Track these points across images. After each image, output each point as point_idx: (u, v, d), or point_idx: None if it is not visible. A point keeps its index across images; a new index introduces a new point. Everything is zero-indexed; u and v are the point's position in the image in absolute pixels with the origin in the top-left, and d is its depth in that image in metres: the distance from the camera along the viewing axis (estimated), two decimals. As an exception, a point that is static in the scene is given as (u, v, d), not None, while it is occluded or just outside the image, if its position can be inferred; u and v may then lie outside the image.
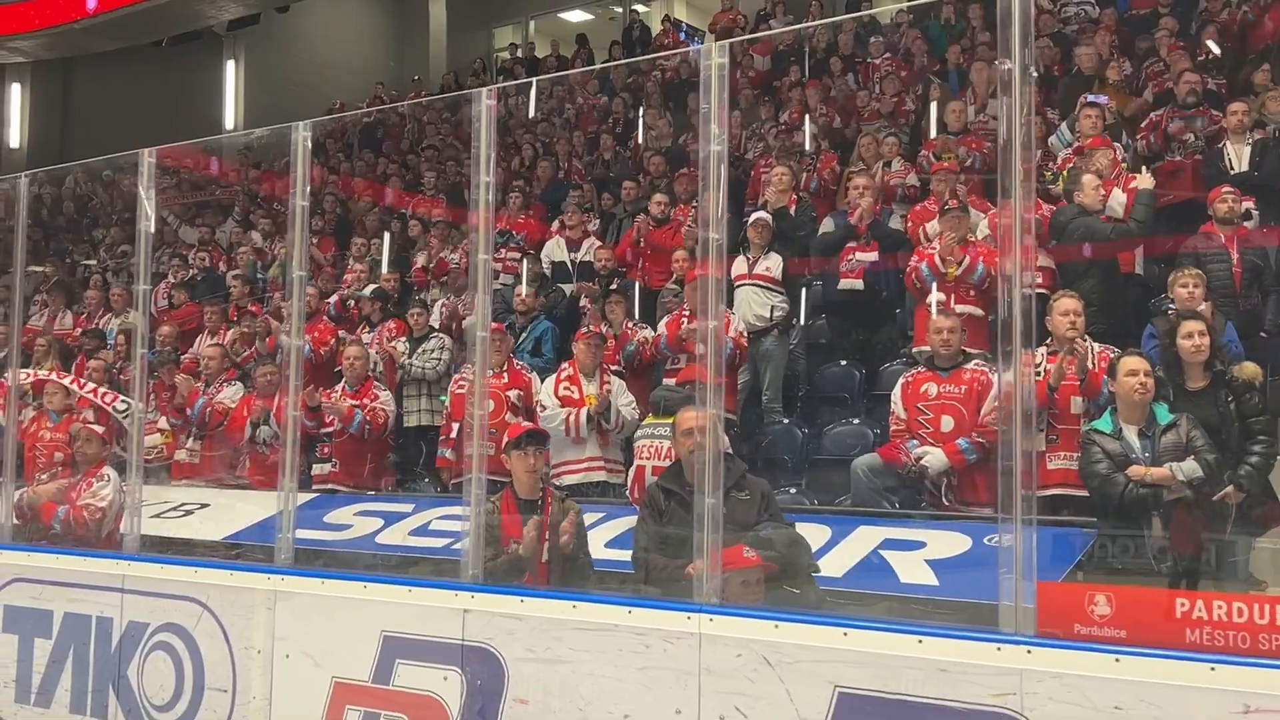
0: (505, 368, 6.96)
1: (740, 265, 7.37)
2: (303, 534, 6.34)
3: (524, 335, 7.74)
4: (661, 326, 7.02)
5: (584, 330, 6.63)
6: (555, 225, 9.78)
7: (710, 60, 3.97)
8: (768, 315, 7.12)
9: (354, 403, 7.15)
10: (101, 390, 6.60)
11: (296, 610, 4.33)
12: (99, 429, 5.98)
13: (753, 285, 7.19)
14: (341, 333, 8.39)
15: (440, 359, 7.75)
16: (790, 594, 3.73)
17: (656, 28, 17.19)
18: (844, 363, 7.37)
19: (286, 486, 4.52)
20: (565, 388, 6.36)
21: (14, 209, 5.75)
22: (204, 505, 7.09)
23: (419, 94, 17.69)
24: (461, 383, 7.07)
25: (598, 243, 8.94)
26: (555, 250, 8.88)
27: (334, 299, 8.80)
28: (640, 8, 18.81)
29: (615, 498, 6.23)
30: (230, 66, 17.50)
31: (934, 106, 9.32)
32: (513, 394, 6.87)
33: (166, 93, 16.96)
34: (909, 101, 10.27)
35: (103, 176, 14.22)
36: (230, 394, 7.70)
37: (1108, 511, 4.42)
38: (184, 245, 11.85)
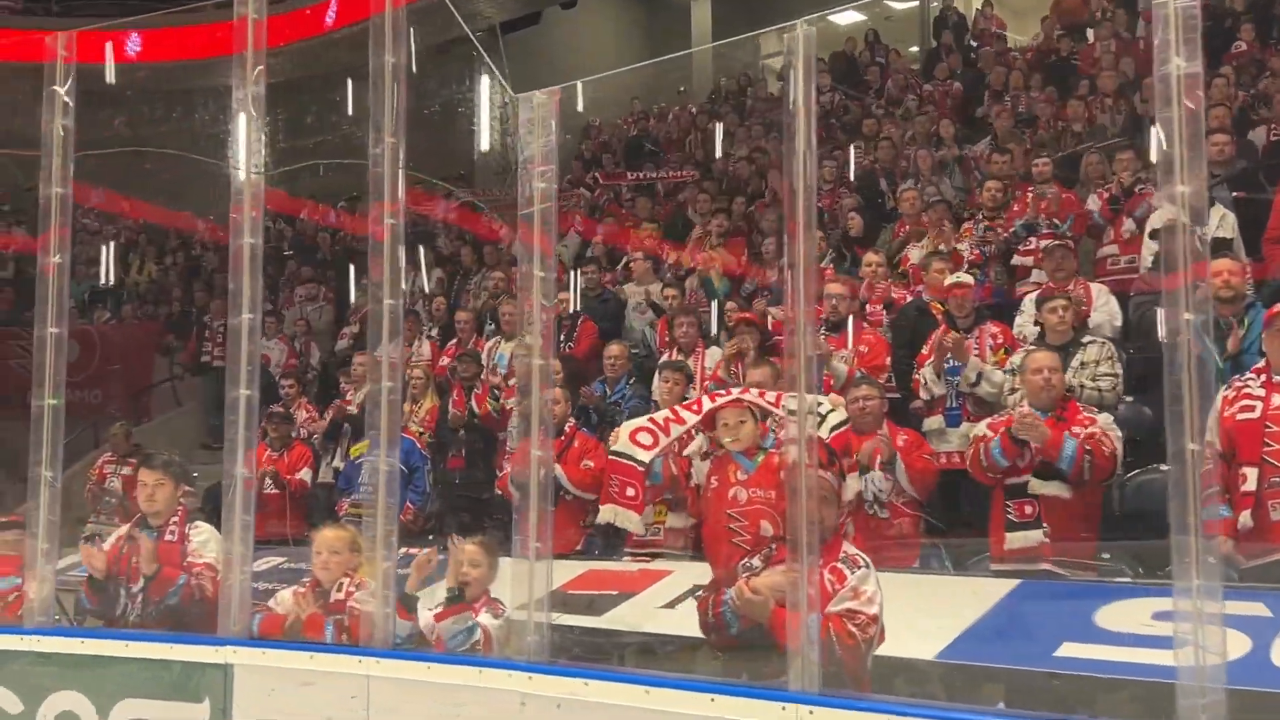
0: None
1: None
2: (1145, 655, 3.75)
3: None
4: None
5: None
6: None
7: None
8: None
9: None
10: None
11: None
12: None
13: None
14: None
15: (1117, 374, 5.17)
16: None
17: (972, 14, 14.94)
18: None
19: None
20: None
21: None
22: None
23: (685, 106, 15.77)
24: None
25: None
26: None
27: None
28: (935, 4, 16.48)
29: None
30: (484, 82, 15.53)
31: None
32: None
33: (414, 112, 15.06)
34: None
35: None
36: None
37: None
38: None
